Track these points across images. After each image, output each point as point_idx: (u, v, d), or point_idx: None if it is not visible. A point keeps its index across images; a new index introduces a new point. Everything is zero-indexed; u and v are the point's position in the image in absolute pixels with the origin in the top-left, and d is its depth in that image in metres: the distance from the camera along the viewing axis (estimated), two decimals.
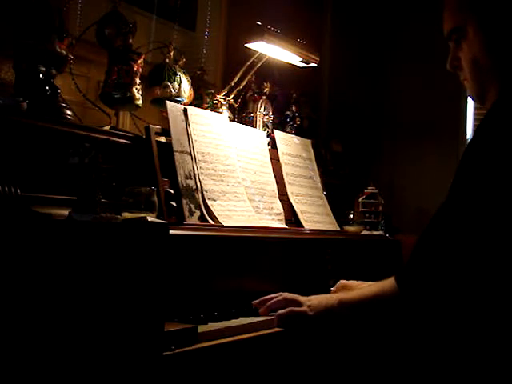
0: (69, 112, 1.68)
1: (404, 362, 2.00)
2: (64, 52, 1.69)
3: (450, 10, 1.44)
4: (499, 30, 1.36)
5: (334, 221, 2.40)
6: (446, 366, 1.49)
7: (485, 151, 1.28)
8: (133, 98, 1.89)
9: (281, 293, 1.61)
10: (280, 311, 1.54)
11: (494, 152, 1.26)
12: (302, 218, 2.23)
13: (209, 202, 1.81)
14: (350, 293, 1.58)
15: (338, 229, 2.39)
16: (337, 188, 2.76)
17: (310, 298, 1.57)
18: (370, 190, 2.73)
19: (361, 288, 1.63)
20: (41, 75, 1.63)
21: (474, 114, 3.46)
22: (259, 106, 2.48)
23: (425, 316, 1.42)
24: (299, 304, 1.55)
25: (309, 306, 1.53)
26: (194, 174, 1.82)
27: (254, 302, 1.60)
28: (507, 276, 1.25)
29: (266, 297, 1.60)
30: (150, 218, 1.32)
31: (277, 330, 1.51)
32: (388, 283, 1.41)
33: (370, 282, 1.76)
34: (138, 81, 1.91)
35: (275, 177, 2.19)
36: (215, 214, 1.80)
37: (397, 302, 1.40)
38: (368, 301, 1.46)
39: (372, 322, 1.58)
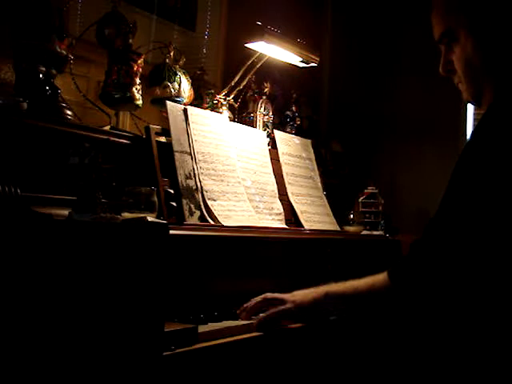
0: (69, 112, 1.68)
1: (396, 359, 2.01)
2: (64, 52, 1.69)
3: (439, 13, 1.42)
4: (490, 30, 1.34)
5: (334, 221, 2.40)
6: (438, 362, 1.50)
7: (481, 154, 1.28)
8: (133, 98, 1.89)
9: (263, 294, 1.55)
10: (261, 314, 1.49)
11: (490, 155, 1.26)
12: (301, 218, 2.23)
13: (209, 202, 1.81)
14: (338, 285, 1.54)
15: (338, 229, 2.39)
16: (337, 188, 2.76)
17: (293, 293, 1.53)
18: (370, 189, 2.73)
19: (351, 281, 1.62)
20: (41, 75, 1.63)
21: (474, 114, 3.46)
22: (259, 105, 2.48)
23: (417, 312, 1.43)
24: (282, 302, 1.50)
25: (293, 302, 1.50)
26: (194, 173, 1.82)
27: (238, 311, 1.52)
28: (499, 275, 1.27)
29: (247, 304, 1.53)
30: (150, 218, 1.32)
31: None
32: (380, 278, 1.41)
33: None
34: (137, 81, 1.91)
35: (275, 177, 2.19)
36: (215, 214, 1.80)
37: (388, 297, 1.40)
38: (358, 294, 1.45)
39: (360, 315, 1.58)
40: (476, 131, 1.33)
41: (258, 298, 1.53)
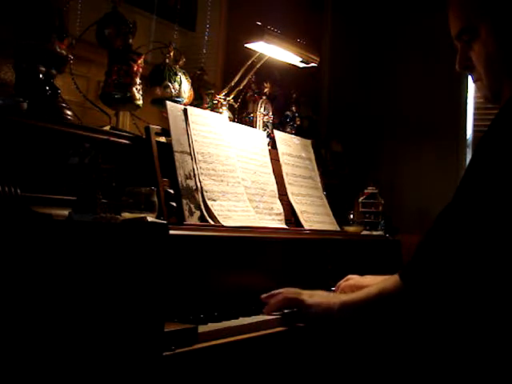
0: (69, 112, 1.68)
1: (407, 360, 2.00)
2: (64, 52, 1.69)
3: (458, 10, 1.40)
4: None
5: (334, 221, 2.40)
6: (449, 364, 1.49)
7: (497, 149, 1.26)
8: (133, 98, 1.89)
9: (284, 289, 1.60)
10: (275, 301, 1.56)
11: (506, 150, 1.24)
12: (301, 218, 2.23)
13: (209, 203, 1.81)
14: (350, 295, 1.56)
15: (338, 229, 2.39)
16: (337, 188, 2.76)
17: (312, 294, 1.56)
18: (369, 190, 2.73)
19: (362, 289, 1.62)
20: (41, 75, 1.64)
21: (474, 114, 3.46)
22: (259, 106, 2.48)
23: (429, 312, 1.41)
24: (298, 303, 1.55)
25: (307, 307, 1.54)
26: (194, 174, 1.82)
27: (262, 296, 1.60)
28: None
29: (274, 292, 1.60)
30: (149, 218, 1.32)
31: (277, 329, 1.51)
32: (389, 282, 1.41)
33: (374, 276, 1.77)
34: (138, 81, 1.91)
35: (275, 177, 2.19)
36: (215, 214, 1.80)
37: (399, 299, 1.39)
38: (370, 301, 1.44)
39: (373, 323, 1.57)
40: (492, 127, 1.30)
41: (279, 296, 1.57)
